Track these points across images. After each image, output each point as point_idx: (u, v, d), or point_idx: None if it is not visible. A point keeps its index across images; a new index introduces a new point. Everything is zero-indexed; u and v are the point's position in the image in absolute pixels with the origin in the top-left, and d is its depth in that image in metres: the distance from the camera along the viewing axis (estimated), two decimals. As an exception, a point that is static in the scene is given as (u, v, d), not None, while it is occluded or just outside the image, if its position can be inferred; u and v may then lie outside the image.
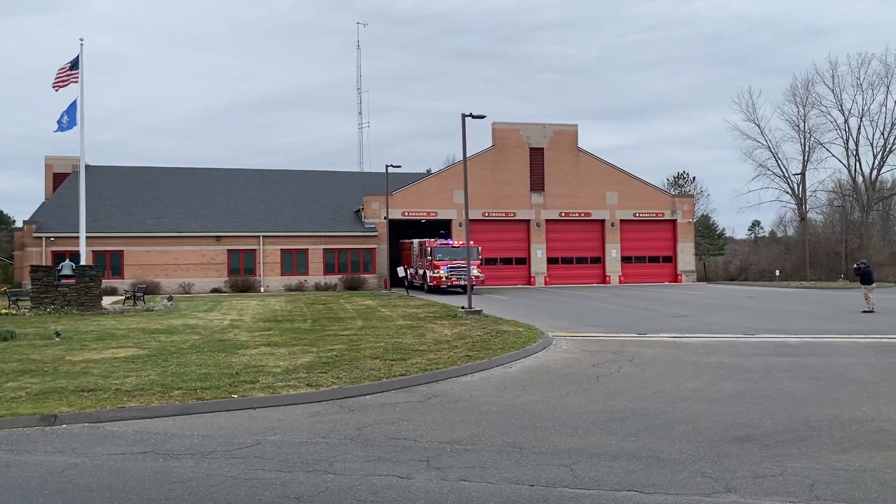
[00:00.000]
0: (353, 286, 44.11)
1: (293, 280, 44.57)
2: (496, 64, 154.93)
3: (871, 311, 24.70)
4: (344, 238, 46.00)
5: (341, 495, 6.42)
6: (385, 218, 45.60)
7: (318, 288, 44.17)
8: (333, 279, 44.88)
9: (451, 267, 38.59)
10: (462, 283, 36.92)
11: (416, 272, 42.73)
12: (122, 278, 41.71)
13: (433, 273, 39.35)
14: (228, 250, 44.19)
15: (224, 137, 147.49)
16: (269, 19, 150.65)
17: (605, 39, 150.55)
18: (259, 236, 44.60)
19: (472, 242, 39.61)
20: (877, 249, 56.28)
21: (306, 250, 45.39)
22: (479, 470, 7.14)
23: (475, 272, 38.22)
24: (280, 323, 22.36)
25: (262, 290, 43.45)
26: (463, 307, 24.66)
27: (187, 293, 41.40)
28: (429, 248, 40.10)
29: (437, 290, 39.12)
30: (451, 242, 41.17)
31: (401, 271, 42.69)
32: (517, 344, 16.13)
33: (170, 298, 32.88)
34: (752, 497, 6.27)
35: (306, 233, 45.49)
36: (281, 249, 45.00)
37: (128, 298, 30.61)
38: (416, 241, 43.99)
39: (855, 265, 27.65)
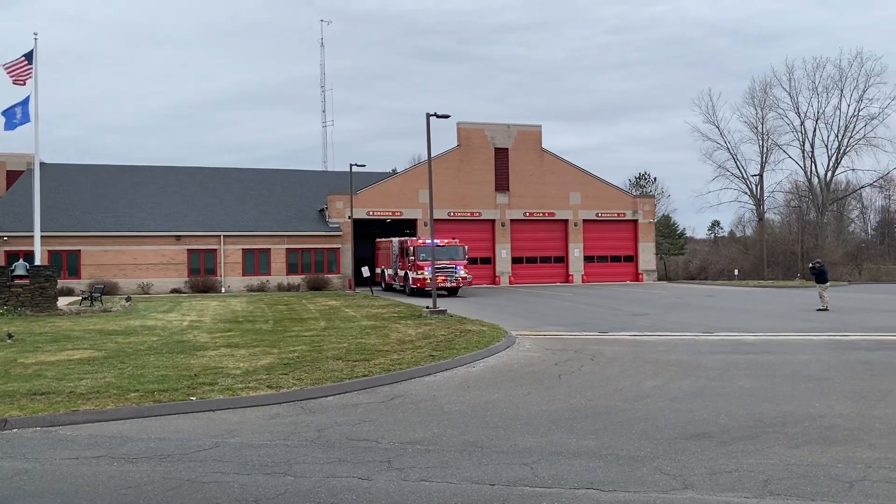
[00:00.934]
0: (317, 286, 43.74)
1: (255, 280, 44.05)
2: (461, 64, 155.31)
3: (826, 310, 25.31)
4: (307, 238, 45.60)
5: (301, 497, 6.36)
6: (349, 217, 45.32)
7: (280, 288, 43.74)
8: (296, 279, 44.47)
9: (436, 267, 33.56)
10: (450, 284, 35.51)
11: (396, 273, 39.71)
12: (79, 278, 40.76)
13: (417, 274, 36.01)
14: (188, 250, 43.48)
15: (185, 136, 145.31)
16: (231, 17, 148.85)
17: (569, 42, 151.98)
18: (220, 236, 43.97)
19: (458, 241, 38.31)
20: (831, 249, 57.73)
21: (268, 250, 44.90)
22: (440, 470, 7.14)
23: (462, 273, 36.34)
24: (241, 324, 22.08)
25: (222, 291, 42.87)
26: (427, 307, 24.64)
27: (146, 293, 40.65)
28: (411, 248, 36.77)
29: (420, 292, 35.54)
30: (436, 241, 38.12)
31: (365, 271, 41.06)
32: (481, 343, 16.17)
33: (128, 299, 32.25)
34: (708, 493, 6.37)
35: (268, 232, 45.01)
36: (242, 249, 44.43)
37: (84, 299, 29.93)
38: (395, 239, 40.87)
39: (810, 264, 28.32)
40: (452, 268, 35.74)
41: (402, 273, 38.27)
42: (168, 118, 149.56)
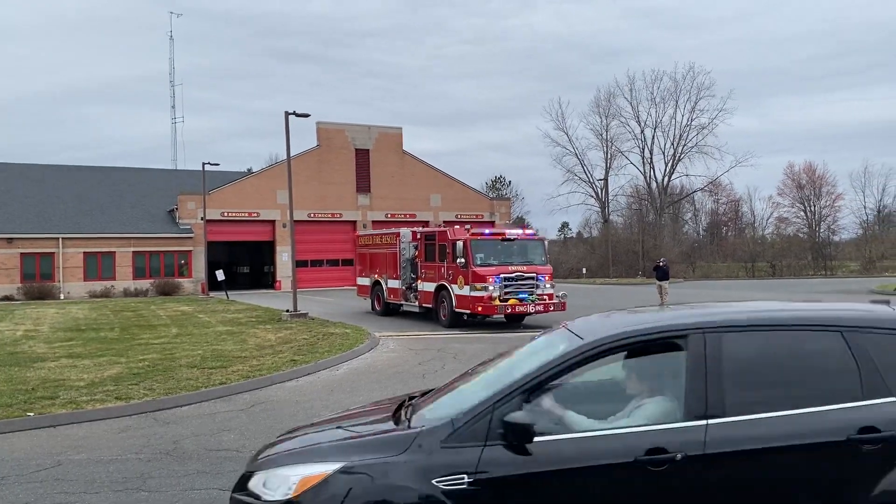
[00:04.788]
0: (167, 291, 41.53)
1: (98, 285, 41.14)
2: (322, 67, 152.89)
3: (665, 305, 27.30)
4: (156, 240, 43.19)
5: (157, 514, 6.03)
6: (202, 219, 43.36)
7: (127, 294, 41.13)
8: (145, 284, 42.00)
9: (507, 279, 20.53)
10: (531, 310, 20.79)
11: (412, 287, 23.99)
12: None
13: (472, 291, 20.28)
14: (22, 254, 39.90)
15: (20, 132, 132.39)
16: (76, 10, 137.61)
17: (427, 50, 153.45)
18: (58, 238, 40.68)
19: (534, 231, 24.48)
20: (668, 248, 62.14)
21: (113, 253, 42.10)
22: (305, 475, 7.00)
23: (548, 287, 21.23)
24: (83, 332, 20.57)
25: (62, 297, 39.70)
26: (288, 310, 24.10)
27: (-30, 302, 36.90)
28: (458, 244, 20.90)
29: (469, 322, 21.54)
30: (505, 232, 22.62)
31: (220, 275, 38.67)
32: (344, 346, 16.05)
33: (-52, 308, 29.14)
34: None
35: (113, 234, 42.18)
36: (84, 252, 41.37)
37: None
38: (405, 230, 25.14)
39: (660, 262, 30.35)
40: (532, 278, 20.93)
41: (426, 287, 22.77)
42: (4, 114, 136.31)
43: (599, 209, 76.62)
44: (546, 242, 23.40)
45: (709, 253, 72.14)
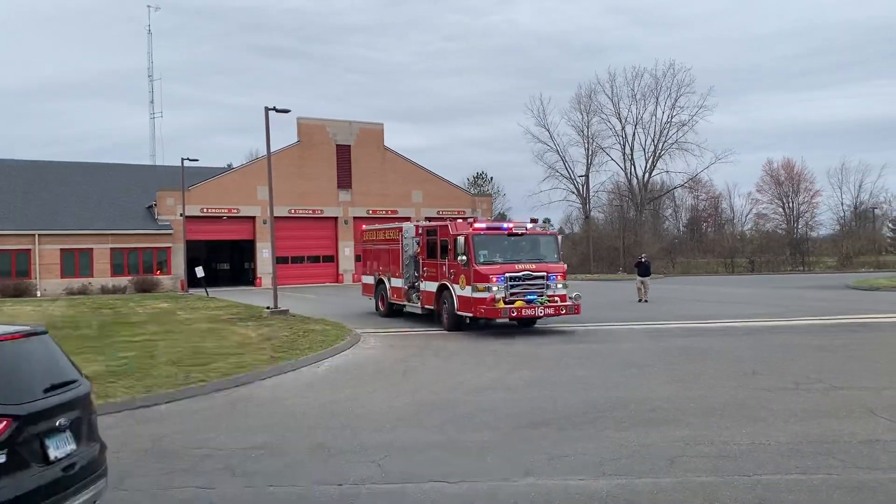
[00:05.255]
0: (146, 288, 41.10)
1: (76, 283, 40.65)
2: (302, 63, 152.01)
3: (646, 301, 27.47)
4: (134, 236, 42.75)
5: (135, 514, 5.97)
6: (181, 215, 42.92)
7: (105, 291, 40.66)
8: (123, 281, 41.54)
9: (513, 279, 18.20)
10: (539, 314, 18.28)
11: (414, 287, 21.76)
12: None
13: (474, 292, 18.00)
14: (-4, 250, 39.34)
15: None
16: (51, 3, 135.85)
17: (409, 46, 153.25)
18: (34, 235, 40.14)
19: (545, 225, 21.61)
20: (649, 244, 62.47)
21: (91, 250, 41.59)
22: (286, 474, 6.98)
23: (560, 287, 18.81)
24: (60, 330, 20.26)
25: (38, 295, 39.18)
26: (268, 307, 23.96)
27: (-56, 300, 36.29)
28: (459, 240, 18.66)
29: (470, 325, 19.52)
30: (505, 226, 19.98)
31: (199, 271, 38.34)
32: (325, 343, 15.98)
33: (-79, 306, 28.64)
34: (548, 478, 6.70)
35: (90, 231, 41.67)
36: (61, 249, 40.84)
37: None
38: (408, 225, 22.92)
39: (640, 259, 30.50)
40: (542, 277, 18.57)
41: (428, 287, 20.67)
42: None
43: (581, 205, 76.71)
44: (559, 237, 20.83)
45: (689, 249, 72.62)
